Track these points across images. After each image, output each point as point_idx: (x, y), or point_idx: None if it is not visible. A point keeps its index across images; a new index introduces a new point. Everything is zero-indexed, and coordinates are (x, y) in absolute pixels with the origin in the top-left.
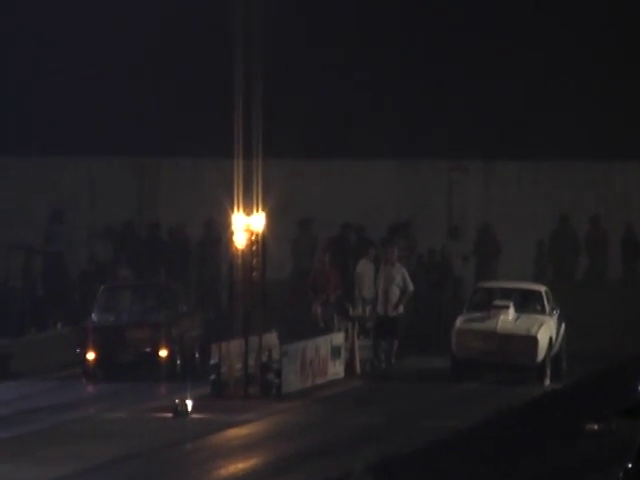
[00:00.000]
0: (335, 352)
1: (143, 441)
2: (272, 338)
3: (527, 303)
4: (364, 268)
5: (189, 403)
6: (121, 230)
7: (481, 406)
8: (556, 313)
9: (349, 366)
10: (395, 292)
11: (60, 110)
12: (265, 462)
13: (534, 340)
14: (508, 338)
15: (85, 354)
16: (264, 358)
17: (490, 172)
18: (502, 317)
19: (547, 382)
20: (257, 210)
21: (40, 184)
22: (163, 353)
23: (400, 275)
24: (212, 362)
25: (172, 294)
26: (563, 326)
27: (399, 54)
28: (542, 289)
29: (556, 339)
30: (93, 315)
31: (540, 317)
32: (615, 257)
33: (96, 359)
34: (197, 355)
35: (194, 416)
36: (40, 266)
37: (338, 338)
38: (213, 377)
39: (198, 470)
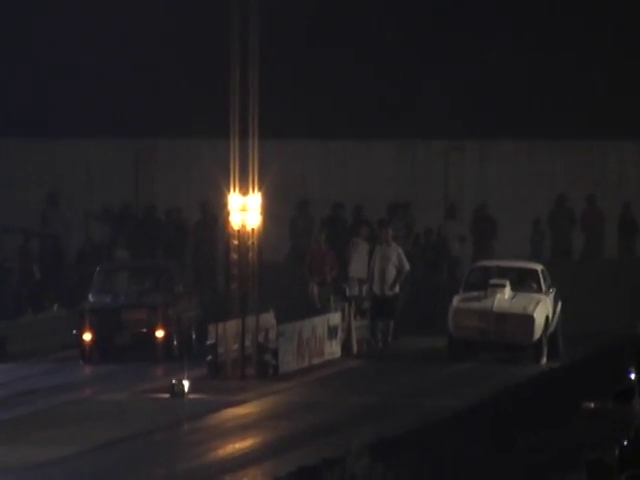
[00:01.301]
0: (332, 332)
1: (141, 422)
2: (269, 318)
3: (523, 282)
4: (356, 247)
5: (186, 384)
6: (118, 212)
7: (478, 386)
8: (552, 292)
9: (346, 346)
10: (391, 272)
11: (56, 92)
12: (262, 442)
13: (530, 319)
14: (504, 317)
15: (82, 336)
16: (261, 338)
17: (487, 152)
18: (498, 296)
19: (544, 361)
20: (253, 191)
21: (36, 166)
22: (160, 334)
23: (396, 255)
24: (209, 343)
25: (169, 275)
26: (559, 305)
27: (398, 34)
28: (538, 268)
29: (552, 318)
30: (90, 297)
31: (536, 296)
32: (611, 236)
33: (93, 340)
34: (194, 336)
35: (191, 397)
36: (37, 248)
37: (335, 318)
38: (210, 358)
39: (195, 451)
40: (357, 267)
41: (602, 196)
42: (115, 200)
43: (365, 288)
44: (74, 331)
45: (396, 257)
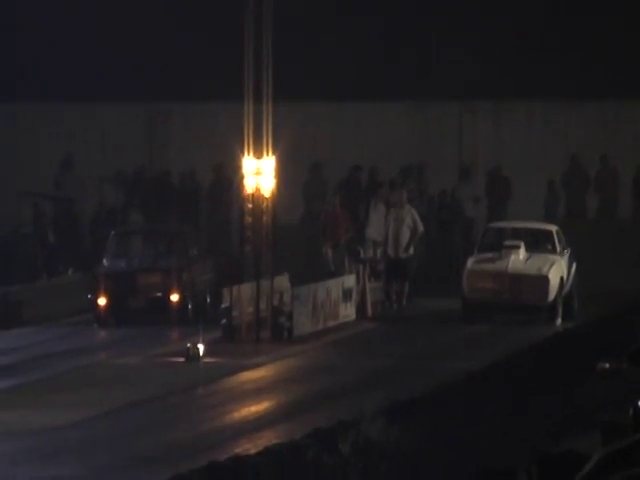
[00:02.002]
0: (346, 295)
1: (156, 386)
2: (283, 281)
3: (538, 243)
4: (375, 209)
5: (201, 347)
6: (132, 176)
7: (492, 347)
8: (567, 253)
9: (360, 308)
10: (405, 234)
11: (71, 57)
12: (277, 405)
13: (545, 279)
14: (519, 278)
15: (97, 300)
16: (275, 302)
17: (500, 113)
18: (513, 257)
19: (559, 322)
20: (267, 154)
21: (51, 131)
22: (174, 298)
23: (410, 216)
24: (223, 306)
25: (183, 239)
26: (574, 266)
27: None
28: (553, 229)
29: (567, 279)
30: (104, 261)
31: (551, 257)
32: (626, 196)
33: (108, 305)
34: (208, 299)
35: (206, 360)
36: (51, 213)
37: (349, 281)
38: (224, 321)
39: (211, 414)
40: (375, 229)
41: (616, 156)
42: (129, 164)
43: (379, 250)
44: (89, 295)
45: (410, 219)
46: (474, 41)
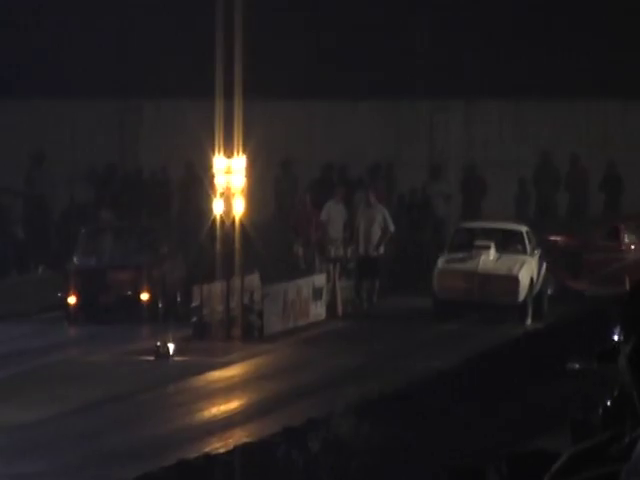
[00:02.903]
0: (317, 293)
1: (125, 384)
2: (254, 280)
3: (508, 243)
4: (331, 210)
5: (171, 346)
6: (103, 172)
7: (462, 346)
8: (537, 253)
9: (331, 307)
10: (376, 232)
11: (42, 51)
12: (247, 403)
13: (515, 280)
14: (489, 278)
15: (67, 298)
16: (246, 300)
17: (471, 112)
18: (483, 257)
19: (529, 322)
20: (238, 152)
21: (21, 127)
22: (145, 296)
23: (381, 215)
24: (194, 304)
25: (153, 236)
26: (544, 266)
27: None
28: (523, 229)
29: (537, 279)
30: (75, 258)
31: (521, 257)
32: (595, 194)
33: (78, 302)
34: (179, 298)
35: (176, 358)
36: (21, 209)
37: (320, 279)
38: (195, 319)
39: (180, 412)
40: (334, 228)
41: (586, 155)
42: (100, 161)
43: (350, 249)
44: (59, 293)
45: (381, 218)
46: (445, 40)
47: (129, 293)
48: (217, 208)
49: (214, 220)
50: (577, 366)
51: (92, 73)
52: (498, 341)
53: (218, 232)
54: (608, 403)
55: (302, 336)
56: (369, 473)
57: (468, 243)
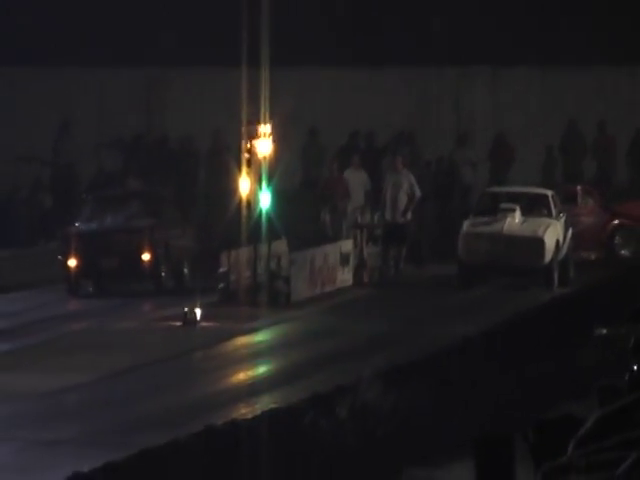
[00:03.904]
0: (344, 260)
1: (154, 350)
2: (281, 246)
3: (533, 207)
4: (350, 177)
5: (198, 312)
6: (130, 141)
7: (489, 312)
8: (562, 217)
9: (358, 273)
10: (403, 199)
11: (70, 21)
12: (275, 369)
13: (540, 241)
14: (514, 240)
15: (67, 261)
16: (273, 266)
17: (497, 78)
18: (509, 220)
19: (555, 286)
20: (265, 119)
21: (50, 95)
22: (146, 257)
23: (407, 182)
24: (221, 270)
25: (157, 201)
26: (570, 231)
27: None
28: (549, 193)
29: (563, 243)
30: (77, 223)
31: (546, 220)
32: (623, 162)
33: (78, 265)
34: (186, 270)
35: (203, 324)
36: (48, 177)
37: (347, 245)
38: (222, 285)
39: (208, 378)
40: (354, 196)
41: (614, 122)
42: (127, 130)
43: (377, 215)
44: (59, 257)
45: (407, 184)
46: (471, 7)
47: (131, 255)
48: (244, 176)
49: (240, 187)
50: (605, 331)
51: (120, 41)
52: (524, 307)
53: (245, 198)
54: (634, 368)
55: (329, 303)
56: (395, 439)
57: (493, 207)
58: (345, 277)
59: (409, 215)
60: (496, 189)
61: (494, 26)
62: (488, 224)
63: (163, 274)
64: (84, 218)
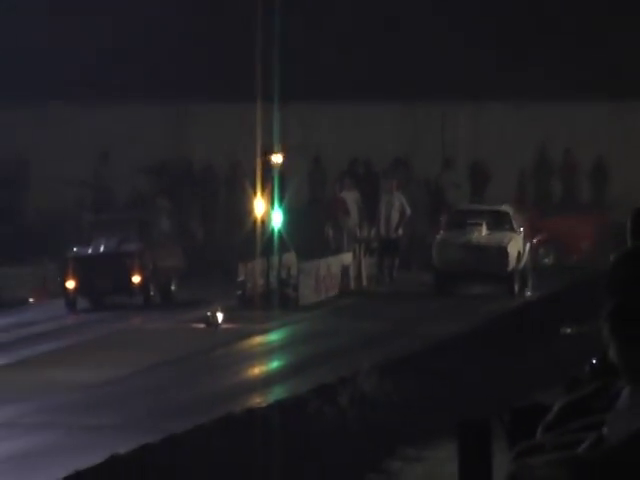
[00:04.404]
0: (345, 269)
1: (181, 348)
2: (290, 257)
3: (497, 222)
4: (346, 195)
5: (219, 315)
6: (160, 167)
7: (469, 315)
8: (522, 231)
9: (357, 281)
10: (395, 217)
11: (106, 62)
12: (285, 364)
13: (505, 250)
14: (482, 249)
15: (66, 282)
16: (283, 275)
17: (477, 112)
18: (476, 233)
19: (516, 291)
20: (276, 149)
21: (90, 128)
22: (136, 279)
23: (399, 202)
24: (239, 279)
25: (147, 227)
26: (528, 244)
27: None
28: (509, 210)
29: (523, 253)
30: (75, 248)
31: (509, 233)
32: (585, 183)
33: (76, 286)
34: (173, 287)
35: (224, 326)
36: (91, 198)
37: (347, 257)
38: (240, 292)
39: (228, 372)
40: (353, 214)
41: (578, 149)
42: (158, 157)
43: (373, 231)
44: (58, 278)
45: (399, 204)
46: (455, 53)
47: (122, 277)
48: (258, 198)
49: (256, 207)
50: (569, 330)
51: (150, 81)
52: (497, 311)
53: (259, 217)
54: (594, 361)
55: (332, 306)
56: (390, 424)
57: (463, 222)
58: (346, 284)
59: (400, 231)
60: (464, 207)
61: (473, 68)
62: (458, 236)
63: (152, 293)
64: (82, 242)
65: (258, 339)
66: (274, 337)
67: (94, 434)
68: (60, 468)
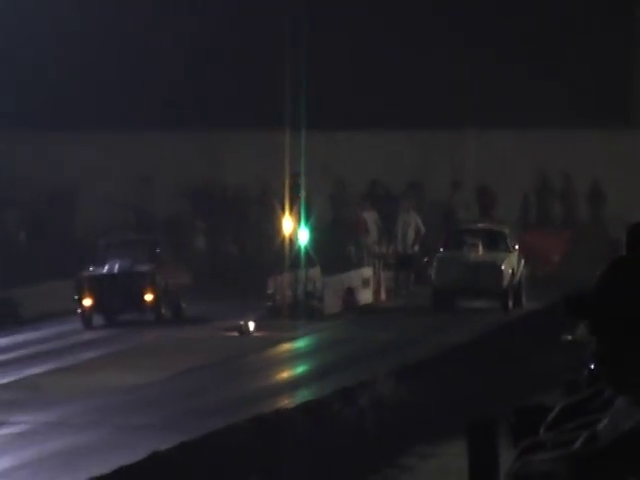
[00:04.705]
0: (365, 282)
1: (215, 354)
2: (316, 272)
3: (493, 241)
4: (366, 215)
5: (251, 324)
6: (196, 190)
7: (473, 325)
8: (516, 250)
9: (376, 293)
10: (411, 234)
11: (150, 94)
12: (310, 369)
13: (499, 268)
14: (478, 267)
15: (82, 300)
16: (309, 288)
17: (483, 138)
18: (473, 252)
19: (510, 306)
20: (302, 173)
21: (133, 154)
22: (148, 297)
23: (414, 221)
24: (269, 292)
25: (157, 248)
26: (522, 261)
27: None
28: (505, 230)
29: (517, 270)
30: (90, 267)
31: (503, 253)
32: (583, 204)
33: (92, 304)
34: (183, 305)
35: (255, 334)
36: (134, 219)
37: (367, 271)
38: (270, 304)
39: (258, 376)
40: (372, 233)
41: (576, 174)
42: (195, 180)
43: (391, 247)
44: (75, 297)
45: (414, 223)
46: (462, 85)
47: (135, 295)
48: (286, 218)
49: (284, 226)
50: (570, 338)
51: (187, 110)
52: (496, 323)
53: (287, 236)
54: (591, 366)
55: (353, 316)
56: (406, 423)
57: (460, 241)
58: (366, 296)
59: (416, 247)
60: (463, 227)
61: (480, 98)
62: (456, 255)
63: (163, 310)
64: (97, 262)
65: (286, 346)
66: (300, 344)
67: (136, 433)
68: (106, 463)
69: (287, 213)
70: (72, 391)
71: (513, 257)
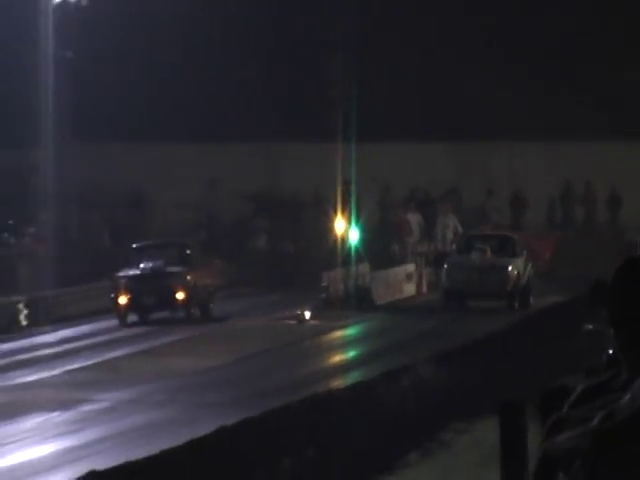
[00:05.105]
0: (409, 277)
1: (275, 340)
2: (365, 267)
3: (501, 247)
4: (410, 217)
5: (307, 313)
6: (257, 195)
7: (506, 316)
8: (524, 254)
9: (418, 287)
10: (449, 235)
11: (214, 109)
12: (359, 354)
13: (505, 272)
14: (486, 271)
15: (117, 299)
16: (359, 281)
17: (514, 149)
18: (481, 256)
19: (515, 307)
20: (352, 181)
21: (200, 163)
22: (180, 296)
23: (452, 222)
24: (323, 284)
25: (187, 250)
26: (529, 265)
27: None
28: (513, 236)
29: (523, 274)
30: (124, 268)
31: (510, 257)
32: (602, 209)
33: (127, 302)
34: (212, 305)
35: (311, 322)
36: (201, 220)
37: (410, 267)
38: (324, 295)
39: (313, 360)
40: (415, 233)
41: (596, 182)
42: (255, 186)
43: (432, 246)
44: (111, 295)
45: (453, 224)
46: (493, 101)
47: (167, 294)
48: (338, 219)
49: (336, 227)
50: (590, 327)
51: (246, 122)
52: (518, 316)
53: (339, 234)
54: (610, 351)
55: (398, 307)
56: (443, 403)
57: (470, 246)
58: (409, 289)
59: (454, 246)
60: (473, 232)
61: (511, 113)
62: (465, 260)
63: (192, 310)
64: (130, 263)
65: (338, 333)
66: (351, 332)
67: (205, 410)
68: (178, 436)
69: (339, 215)
70: (146, 373)
71: (520, 261)
